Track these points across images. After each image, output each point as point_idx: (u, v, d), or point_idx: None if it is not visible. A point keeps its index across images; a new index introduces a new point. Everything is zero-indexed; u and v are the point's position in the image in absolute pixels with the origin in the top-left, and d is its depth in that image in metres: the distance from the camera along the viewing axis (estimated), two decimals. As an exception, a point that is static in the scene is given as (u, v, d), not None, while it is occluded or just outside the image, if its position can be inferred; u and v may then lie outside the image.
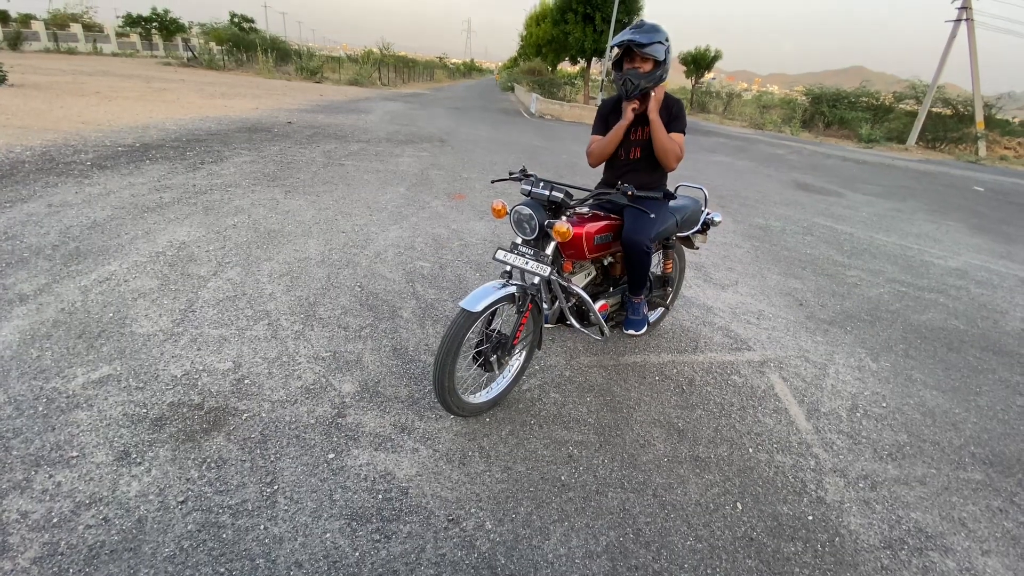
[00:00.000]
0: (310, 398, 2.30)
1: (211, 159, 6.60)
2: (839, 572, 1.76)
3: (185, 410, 2.15)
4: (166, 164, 6.09)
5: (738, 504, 2.00)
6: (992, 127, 26.61)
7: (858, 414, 2.67)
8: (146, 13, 40.86)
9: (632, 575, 1.67)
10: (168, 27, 41.40)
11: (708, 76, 35.66)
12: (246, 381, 2.36)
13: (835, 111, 27.87)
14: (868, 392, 2.89)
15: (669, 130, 2.48)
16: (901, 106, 28.52)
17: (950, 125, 26.18)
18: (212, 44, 32.83)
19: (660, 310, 3.25)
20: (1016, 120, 32.99)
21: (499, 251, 2.24)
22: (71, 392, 2.17)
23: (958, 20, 25.56)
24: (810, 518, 1.97)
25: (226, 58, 30.62)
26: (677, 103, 2.53)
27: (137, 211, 4.39)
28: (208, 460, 1.90)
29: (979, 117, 24.99)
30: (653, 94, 2.46)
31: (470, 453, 2.09)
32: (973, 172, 17.30)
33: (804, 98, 30.31)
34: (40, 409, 2.05)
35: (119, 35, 39.34)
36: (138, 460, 1.87)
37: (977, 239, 7.02)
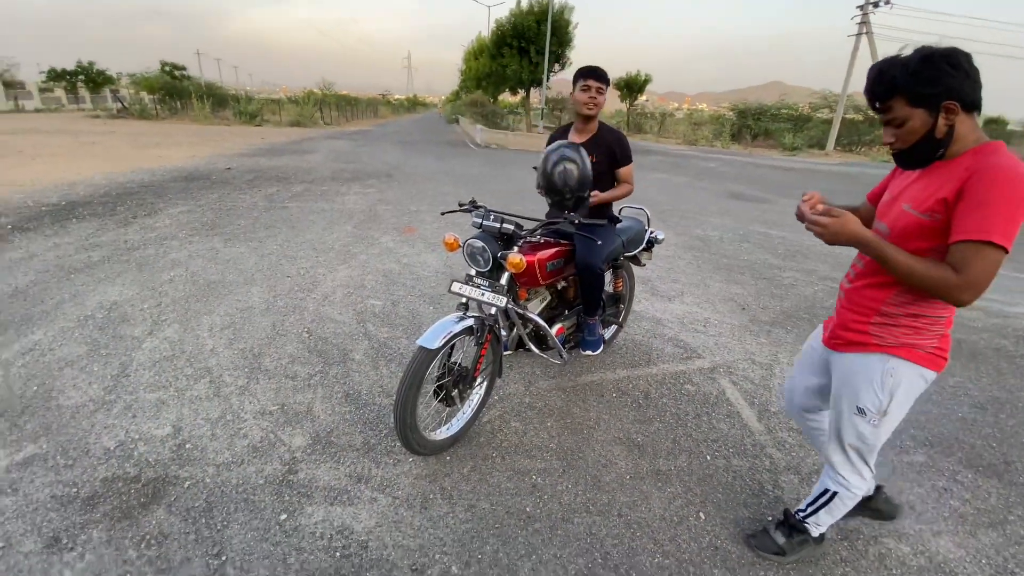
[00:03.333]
0: (258, 457, 2.19)
1: (144, 212, 6.33)
2: (802, 570, 1.81)
3: (120, 485, 1.99)
4: (95, 221, 5.79)
5: (701, 514, 2.03)
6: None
7: (805, 410, 2.79)
8: (70, 67, 39.33)
9: (602, 601, 1.66)
10: (95, 79, 39.92)
11: (641, 98, 37.44)
12: (187, 445, 2.23)
13: (760, 123, 29.82)
14: (813, 388, 3.02)
15: (618, 165, 2.60)
16: (818, 115, 30.86)
17: (863, 129, 28.51)
18: (143, 94, 31.82)
19: (613, 327, 3.32)
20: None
21: (454, 283, 2.23)
22: (-11, 479, 1.99)
23: (858, 34, 28.14)
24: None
25: (159, 107, 29.71)
26: (617, 137, 2.63)
27: (63, 273, 4.13)
28: (147, 537, 1.77)
29: (886, 124, 27.33)
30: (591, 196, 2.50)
31: (431, 496, 2.04)
32: (887, 171, 18.77)
33: (731, 113, 32.26)
34: (-49, 503, 1.86)
35: (42, 90, 37.57)
36: (69, 545, 1.72)
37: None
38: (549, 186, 2.33)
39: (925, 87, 1.19)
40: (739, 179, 13.44)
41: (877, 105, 1.30)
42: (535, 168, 2.41)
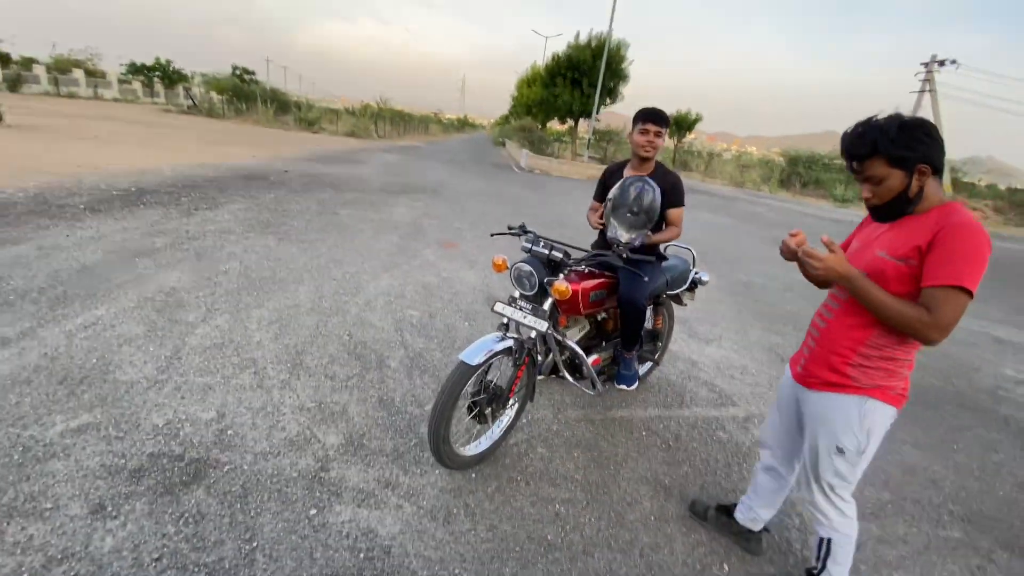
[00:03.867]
0: (294, 450, 2.26)
1: (206, 205, 6.69)
2: (828, 639, 1.73)
3: (165, 461, 2.10)
4: (160, 209, 6.16)
5: (725, 565, 1.98)
6: (959, 190, 28.13)
7: (841, 472, 2.69)
8: (150, 62, 42.34)
9: (619, 641, 1.64)
10: (171, 76, 42.77)
11: (690, 136, 37.40)
12: (229, 432, 2.33)
13: (811, 172, 29.26)
14: (851, 450, 2.92)
15: (669, 205, 2.63)
16: (872, 169, 30.04)
17: (919, 188, 27.57)
18: (213, 93, 33.83)
19: (649, 364, 3.30)
20: (982, 183, 34.92)
21: (498, 304, 2.29)
22: (48, 441, 2.12)
23: (921, 91, 27.52)
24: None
25: (226, 107, 31.48)
26: (673, 180, 2.66)
27: (128, 256, 4.41)
28: (186, 514, 1.85)
29: (946, 180, 26.43)
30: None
31: (455, 510, 2.06)
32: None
33: (781, 159, 31.81)
34: (15, 458, 2.00)
35: (121, 82, 40.47)
36: (114, 513, 1.81)
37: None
38: (621, 198, 2.52)
39: (904, 151, 1.35)
40: (787, 226, 13.18)
41: (854, 165, 1.45)
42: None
